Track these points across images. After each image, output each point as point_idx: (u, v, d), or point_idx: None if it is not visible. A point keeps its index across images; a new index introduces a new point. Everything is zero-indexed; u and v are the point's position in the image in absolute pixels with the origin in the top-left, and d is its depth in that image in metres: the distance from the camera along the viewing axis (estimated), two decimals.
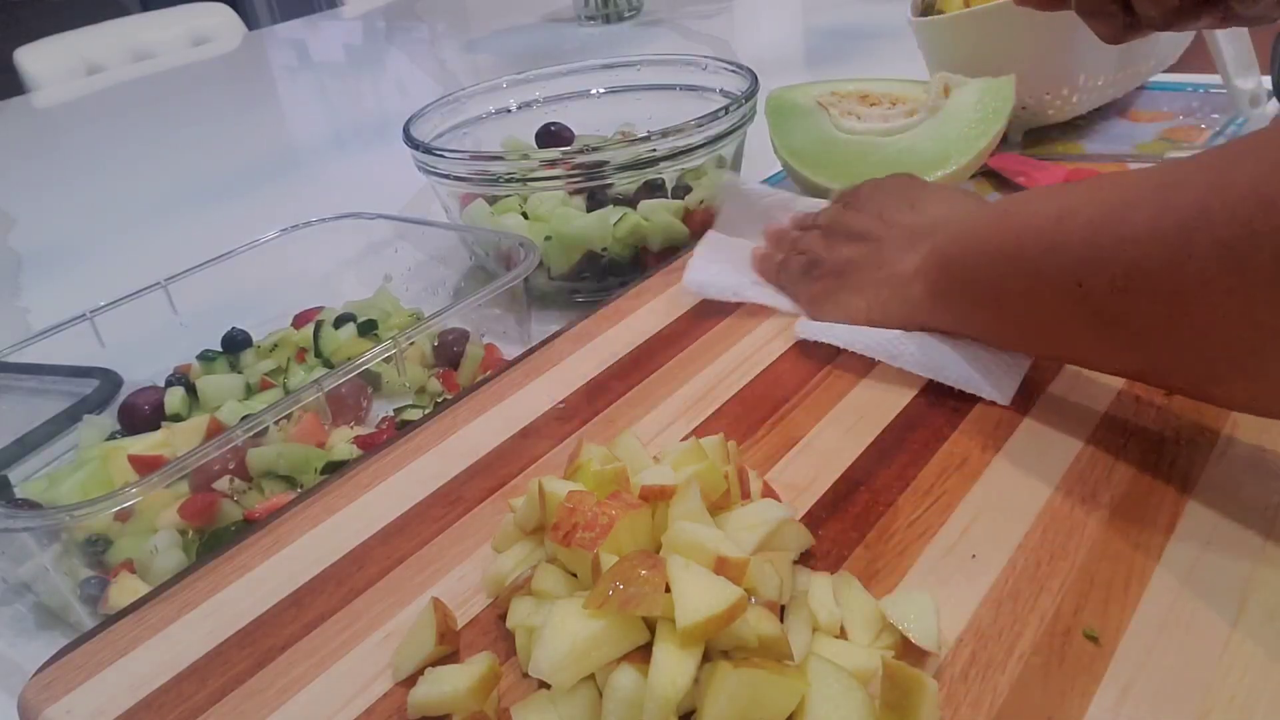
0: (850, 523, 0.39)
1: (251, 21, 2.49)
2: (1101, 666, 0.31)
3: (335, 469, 0.48)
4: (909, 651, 0.32)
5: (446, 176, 0.68)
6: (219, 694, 0.35)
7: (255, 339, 0.65)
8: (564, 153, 0.67)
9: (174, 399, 0.58)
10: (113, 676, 0.36)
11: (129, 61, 1.83)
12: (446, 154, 0.67)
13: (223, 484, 0.48)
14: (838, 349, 0.50)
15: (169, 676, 0.36)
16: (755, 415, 0.47)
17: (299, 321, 0.67)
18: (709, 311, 0.56)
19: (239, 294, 0.68)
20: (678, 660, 0.29)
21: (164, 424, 0.57)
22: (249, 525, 0.46)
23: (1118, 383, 0.44)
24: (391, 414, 0.56)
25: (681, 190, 0.70)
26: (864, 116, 0.76)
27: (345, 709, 0.33)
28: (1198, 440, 0.41)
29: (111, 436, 0.57)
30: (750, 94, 0.69)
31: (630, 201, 0.69)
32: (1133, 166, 0.75)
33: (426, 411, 0.52)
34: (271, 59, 1.79)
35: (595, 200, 0.69)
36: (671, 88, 0.81)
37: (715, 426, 0.46)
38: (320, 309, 0.68)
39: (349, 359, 0.52)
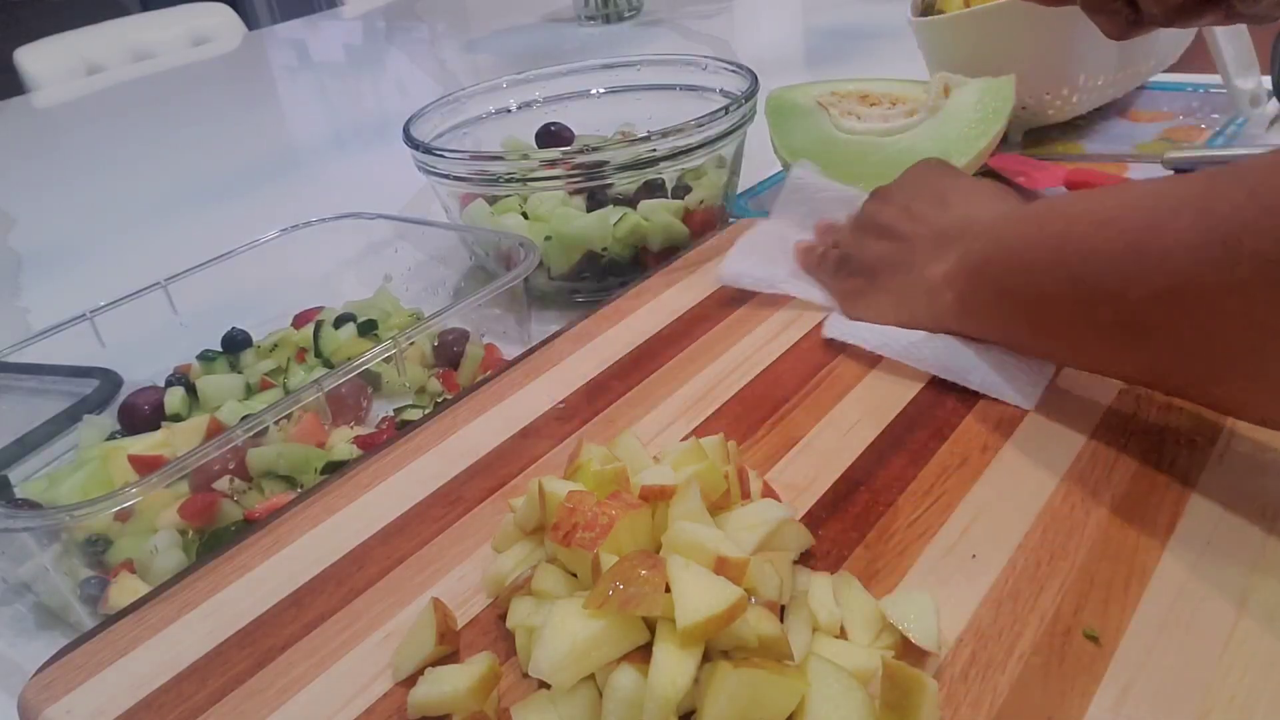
0: (850, 523, 0.39)
1: (251, 21, 2.49)
2: (1101, 666, 0.31)
3: (335, 469, 0.48)
4: (909, 651, 0.32)
5: (446, 176, 0.68)
6: (219, 694, 0.35)
7: (255, 339, 0.65)
8: (564, 153, 0.67)
9: (174, 399, 0.58)
10: (113, 676, 0.36)
11: (129, 61, 1.83)
12: (446, 154, 0.67)
13: (223, 484, 0.48)
14: (838, 349, 0.50)
15: (169, 676, 0.36)
16: (755, 415, 0.47)
17: (299, 321, 0.67)
18: (709, 312, 0.56)
19: (239, 294, 0.68)
20: (678, 660, 0.29)
21: (164, 424, 0.57)
22: (249, 525, 0.46)
23: (1118, 383, 0.44)
24: (391, 414, 0.56)
25: (681, 190, 0.70)
26: (864, 116, 0.76)
27: (345, 709, 0.33)
28: (1198, 440, 0.41)
29: (111, 436, 0.57)
30: (750, 94, 0.69)
31: (630, 201, 0.69)
32: (1133, 167, 0.75)
33: (426, 411, 0.52)
34: (271, 59, 1.79)
35: (595, 200, 0.69)
36: (671, 88, 0.81)
37: (715, 426, 0.46)
38: (320, 309, 0.68)
39: (349, 359, 0.52)
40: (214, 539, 0.47)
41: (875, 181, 0.56)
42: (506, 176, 0.65)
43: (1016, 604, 0.34)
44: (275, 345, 0.64)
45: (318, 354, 0.62)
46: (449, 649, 0.35)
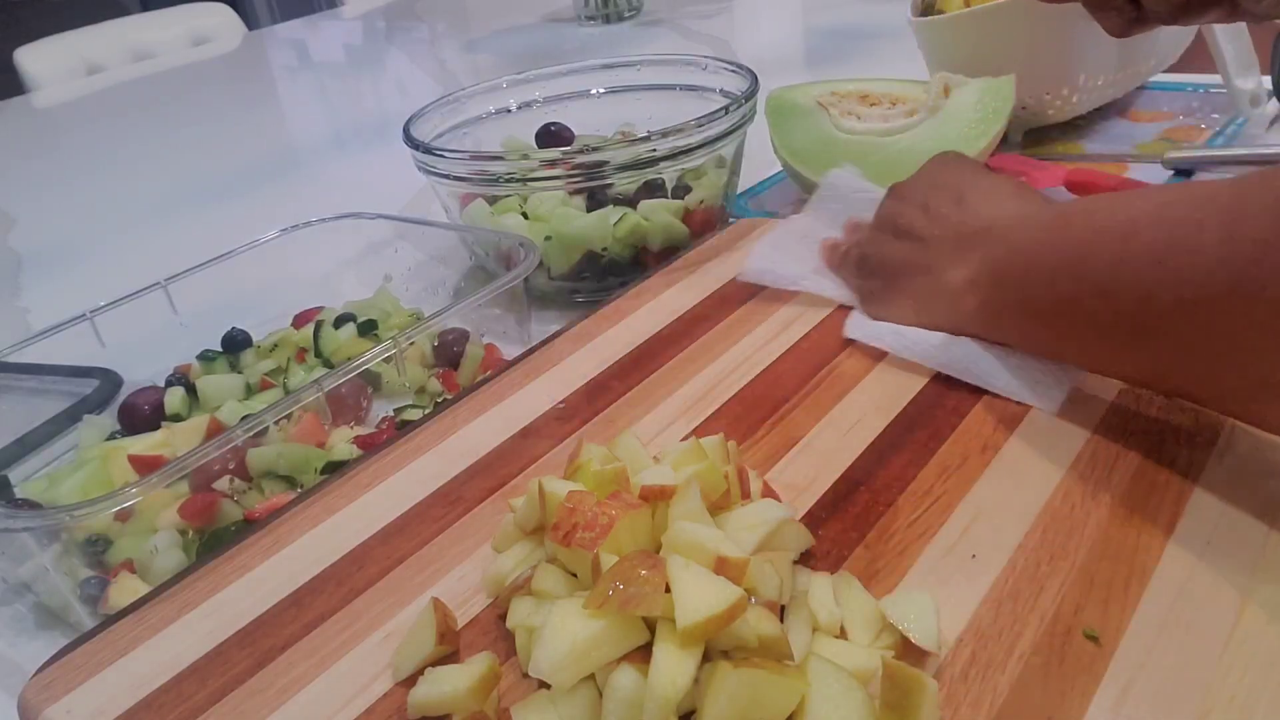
0: (850, 523, 0.39)
1: (251, 21, 2.49)
2: (1101, 666, 0.31)
3: (335, 469, 0.48)
4: (909, 651, 0.32)
5: (446, 176, 0.68)
6: (219, 694, 0.35)
7: (255, 339, 0.65)
8: (564, 153, 0.67)
9: (174, 399, 0.58)
10: (113, 676, 0.36)
11: (129, 61, 1.83)
12: (446, 154, 0.67)
13: (223, 484, 0.48)
14: (837, 348, 0.50)
15: (169, 676, 0.36)
16: (755, 415, 0.47)
17: (299, 321, 0.67)
18: (709, 312, 0.56)
19: (239, 294, 0.68)
20: (678, 660, 0.29)
21: (164, 424, 0.57)
22: (249, 525, 0.46)
23: (1118, 383, 0.44)
24: (391, 414, 0.56)
25: (681, 190, 0.70)
26: (864, 116, 0.76)
27: (345, 709, 0.33)
28: (1198, 440, 0.41)
29: (111, 436, 0.57)
30: (750, 94, 0.69)
31: (630, 201, 0.69)
32: (1133, 167, 0.75)
33: (426, 411, 0.52)
34: (271, 59, 1.79)
35: (595, 200, 0.69)
36: (671, 88, 0.81)
37: (715, 426, 0.46)
38: (320, 309, 0.68)
39: (349, 359, 0.52)
40: (214, 539, 0.47)
41: (876, 182, 0.56)
42: (506, 176, 0.65)
43: (1016, 604, 0.34)
44: (275, 345, 0.64)
45: (318, 354, 0.62)
46: (449, 649, 0.35)
